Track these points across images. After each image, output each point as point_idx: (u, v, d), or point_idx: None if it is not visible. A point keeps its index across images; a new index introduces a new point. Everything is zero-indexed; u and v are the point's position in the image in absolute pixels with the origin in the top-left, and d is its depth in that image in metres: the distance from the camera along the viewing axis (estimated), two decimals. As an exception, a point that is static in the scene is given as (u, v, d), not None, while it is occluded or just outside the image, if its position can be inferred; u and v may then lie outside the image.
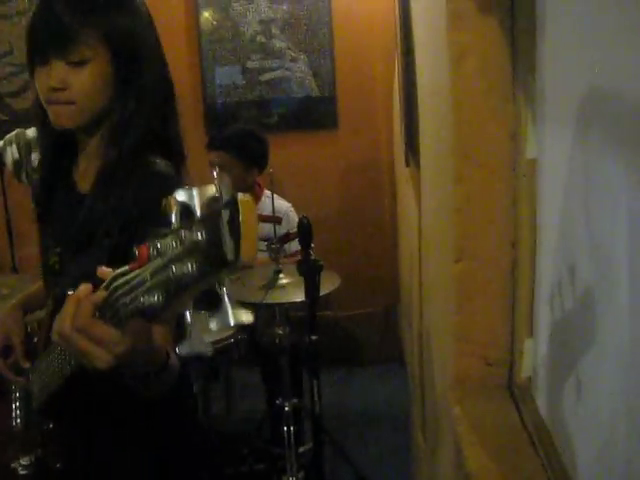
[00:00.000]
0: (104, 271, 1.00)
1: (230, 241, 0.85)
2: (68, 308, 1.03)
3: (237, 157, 3.42)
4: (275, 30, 4.23)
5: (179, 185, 1.38)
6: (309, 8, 4.18)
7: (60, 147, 1.55)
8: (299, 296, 2.61)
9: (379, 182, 4.32)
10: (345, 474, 3.16)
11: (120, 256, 1.34)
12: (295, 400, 2.98)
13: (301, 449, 2.97)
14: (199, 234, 0.85)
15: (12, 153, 2.56)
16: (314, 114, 4.27)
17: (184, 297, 0.88)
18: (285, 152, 3.91)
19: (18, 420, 1.61)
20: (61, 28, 1.35)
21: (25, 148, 2.65)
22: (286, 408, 2.95)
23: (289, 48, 4.24)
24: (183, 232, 0.86)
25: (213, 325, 0.87)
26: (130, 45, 1.40)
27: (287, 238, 3.08)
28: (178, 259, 0.86)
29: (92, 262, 1.39)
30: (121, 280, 0.94)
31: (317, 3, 4.17)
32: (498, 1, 1.36)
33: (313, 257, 2.40)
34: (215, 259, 0.85)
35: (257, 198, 3.55)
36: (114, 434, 1.49)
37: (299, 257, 2.48)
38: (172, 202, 0.89)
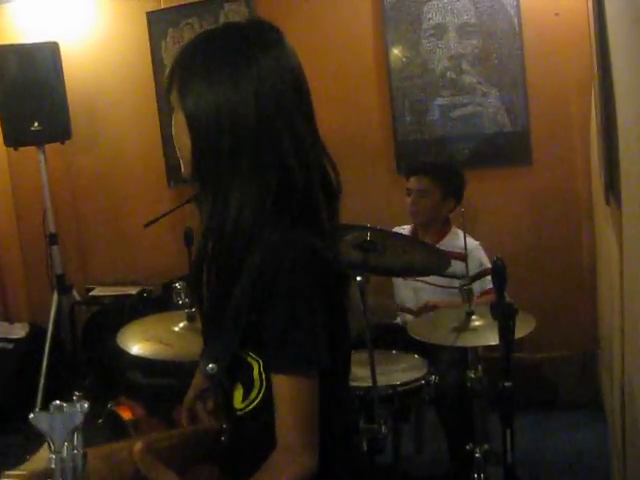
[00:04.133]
0: None
1: None
2: None
3: (437, 183, 3.42)
4: (465, 65, 4.19)
5: (310, 252, 1.34)
6: (500, 42, 4.11)
7: None
8: (492, 339, 2.53)
9: (576, 220, 4.12)
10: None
11: (253, 335, 1.35)
12: (486, 446, 2.88)
13: (491, 498, 2.86)
14: None
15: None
16: (507, 150, 4.16)
17: None
18: (477, 189, 3.84)
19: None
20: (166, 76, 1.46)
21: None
22: (477, 454, 2.86)
23: (480, 83, 4.18)
24: None
25: None
26: (201, 112, 1.38)
27: (479, 276, 3.01)
28: None
29: (226, 340, 1.40)
30: None
31: (508, 36, 4.08)
32: None
33: (507, 300, 2.31)
34: None
35: (443, 234, 3.50)
36: None
37: (491, 296, 2.40)
38: None
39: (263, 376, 1.38)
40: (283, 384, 1.32)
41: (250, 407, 1.41)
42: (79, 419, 0.92)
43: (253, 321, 1.34)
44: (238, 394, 1.43)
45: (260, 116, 1.38)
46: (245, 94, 1.37)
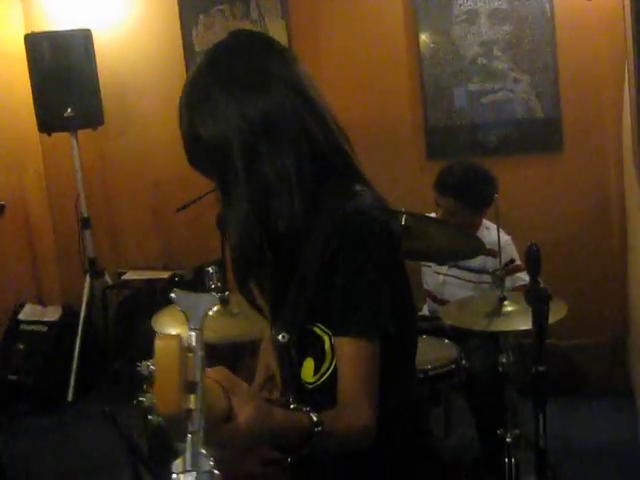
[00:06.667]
0: None
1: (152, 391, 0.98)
2: None
3: (465, 204, 3.33)
4: (497, 51, 4.18)
5: (383, 225, 1.37)
6: (532, 27, 4.09)
7: None
8: (524, 324, 2.54)
9: (607, 207, 4.11)
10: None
11: (322, 306, 1.37)
12: (517, 431, 2.89)
13: (522, 482, 2.88)
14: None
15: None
16: (538, 136, 4.14)
17: None
18: (508, 176, 3.82)
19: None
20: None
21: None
22: (508, 439, 2.87)
23: (511, 69, 4.16)
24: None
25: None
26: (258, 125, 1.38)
27: (513, 269, 2.99)
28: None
29: (297, 307, 1.42)
30: None
31: (540, 22, 4.06)
32: None
33: (541, 285, 2.32)
34: None
35: (474, 230, 3.44)
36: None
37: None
38: None
39: (334, 349, 1.40)
40: (347, 346, 1.35)
41: (321, 380, 1.44)
42: (214, 302, 1.02)
43: (321, 290, 1.37)
44: (309, 367, 1.46)
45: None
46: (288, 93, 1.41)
